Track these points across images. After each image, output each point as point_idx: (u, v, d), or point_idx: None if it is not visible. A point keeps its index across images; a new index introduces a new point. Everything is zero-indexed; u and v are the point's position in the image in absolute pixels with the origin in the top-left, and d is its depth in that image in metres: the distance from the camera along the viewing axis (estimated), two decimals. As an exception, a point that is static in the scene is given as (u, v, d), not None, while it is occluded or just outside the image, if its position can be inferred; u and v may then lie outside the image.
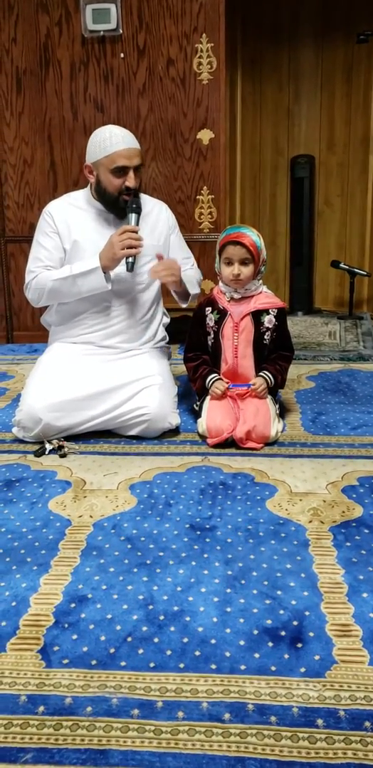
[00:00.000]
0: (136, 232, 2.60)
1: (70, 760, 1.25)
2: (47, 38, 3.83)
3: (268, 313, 2.66)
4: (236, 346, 2.65)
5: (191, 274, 2.87)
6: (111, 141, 2.60)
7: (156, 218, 2.83)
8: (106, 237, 2.68)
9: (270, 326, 2.66)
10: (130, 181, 2.62)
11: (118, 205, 2.67)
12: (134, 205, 2.65)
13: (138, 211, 2.66)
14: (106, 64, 3.82)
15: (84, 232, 2.70)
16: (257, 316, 2.65)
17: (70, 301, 2.72)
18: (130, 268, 2.62)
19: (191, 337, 2.80)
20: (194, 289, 2.82)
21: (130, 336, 2.80)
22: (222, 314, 2.66)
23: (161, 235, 2.84)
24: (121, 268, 2.65)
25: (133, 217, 2.65)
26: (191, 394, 2.94)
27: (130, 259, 2.61)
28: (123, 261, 2.62)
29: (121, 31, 3.75)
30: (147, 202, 2.83)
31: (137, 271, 2.71)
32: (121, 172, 2.61)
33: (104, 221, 2.73)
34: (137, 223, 2.65)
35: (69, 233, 2.70)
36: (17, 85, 3.91)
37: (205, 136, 3.85)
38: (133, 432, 2.64)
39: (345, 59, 4.60)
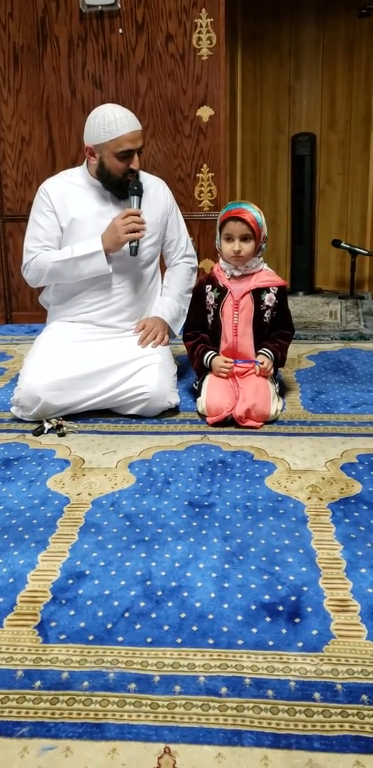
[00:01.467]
0: (138, 215, 2.59)
1: (66, 733, 1.24)
2: (44, 13, 3.78)
3: (268, 291, 2.64)
4: (236, 324, 2.63)
5: (174, 305, 2.85)
6: (116, 124, 2.56)
7: (154, 195, 2.81)
8: (104, 215, 2.66)
9: (270, 304, 2.64)
10: (135, 163, 2.61)
11: (121, 187, 2.65)
12: (136, 187, 2.63)
13: (139, 193, 2.64)
14: (104, 40, 3.77)
15: (82, 210, 2.68)
16: (257, 294, 2.62)
17: (69, 282, 2.70)
18: (134, 252, 2.61)
19: (191, 315, 2.79)
20: (178, 327, 2.87)
21: (130, 314, 2.78)
22: (222, 292, 2.64)
23: (158, 212, 2.81)
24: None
25: (135, 199, 2.63)
26: (190, 373, 2.92)
27: (134, 243, 2.60)
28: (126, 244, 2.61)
29: (119, 6, 3.70)
30: (145, 178, 2.80)
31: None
32: (126, 155, 2.59)
33: (102, 198, 2.71)
34: (139, 206, 2.63)
35: (66, 211, 2.68)
36: (14, 61, 3.87)
37: (205, 113, 3.81)
38: (132, 411, 2.63)
39: (347, 34, 4.54)
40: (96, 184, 2.70)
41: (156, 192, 2.83)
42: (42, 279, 2.72)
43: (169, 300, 2.86)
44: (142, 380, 2.59)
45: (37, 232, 2.70)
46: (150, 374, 2.60)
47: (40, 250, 2.68)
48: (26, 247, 2.73)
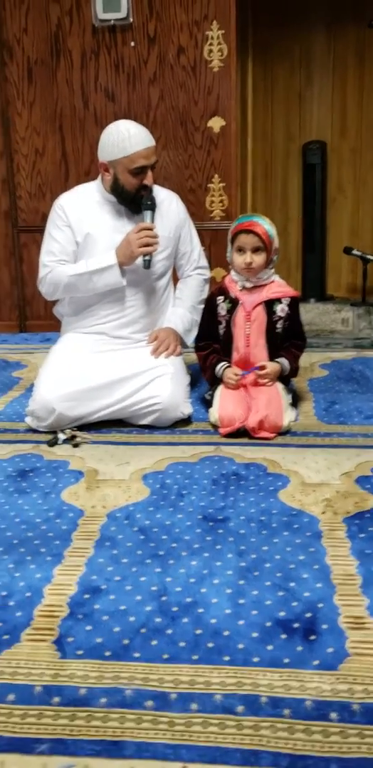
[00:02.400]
0: (152, 230, 2.61)
1: (85, 750, 1.25)
2: (58, 28, 3.82)
3: (280, 302, 2.65)
4: (248, 335, 2.64)
5: (186, 316, 2.86)
6: (131, 141, 2.58)
7: (167, 209, 2.82)
8: (119, 229, 2.68)
9: (282, 315, 2.65)
10: (149, 179, 2.63)
11: (135, 202, 2.67)
12: (149, 202, 2.65)
13: (153, 207, 2.66)
14: (116, 53, 3.80)
15: (97, 225, 2.70)
16: (269, 305, 2.64)
17: (84, 295, 2.73)
18: (147, 265, 2.63)
19: (202, 325, 2.80)
20: (190, 338, 2.87)
21: (143, 326, 2.80)
22: (234, 303, 2.65)
23: (171, 227, 2.83)
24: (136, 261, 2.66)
25: (148, 214, 2.65)
26: (203, 383, 2.93)
27: (147, 257, 2.62)
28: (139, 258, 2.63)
29: (131, 20, 3.73)
30: (159, 192, 2.81)
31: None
32: (140, 171, 2.61)
33: (117, 213, 2.73)
34: (153, 220, 2.65)
35: (81, 226, 2.70)
36: (28, 74, 3.91)
37: (216, 123, 3.83)
38: (145, 421, 2.64)
39: (357, 43, 4.54)
40: (111, 199, 2.72)
41: (169, 206, 2.85)
42: (58, 292, 2.75)
43: (181, 311, 2.88)
44: (154, 391, 2.60)
45: (53, 247, 2.72)
46: (163, 385, 2.61)
47: (56, 264, 2.71)
48: (42, 261, 2.75)
